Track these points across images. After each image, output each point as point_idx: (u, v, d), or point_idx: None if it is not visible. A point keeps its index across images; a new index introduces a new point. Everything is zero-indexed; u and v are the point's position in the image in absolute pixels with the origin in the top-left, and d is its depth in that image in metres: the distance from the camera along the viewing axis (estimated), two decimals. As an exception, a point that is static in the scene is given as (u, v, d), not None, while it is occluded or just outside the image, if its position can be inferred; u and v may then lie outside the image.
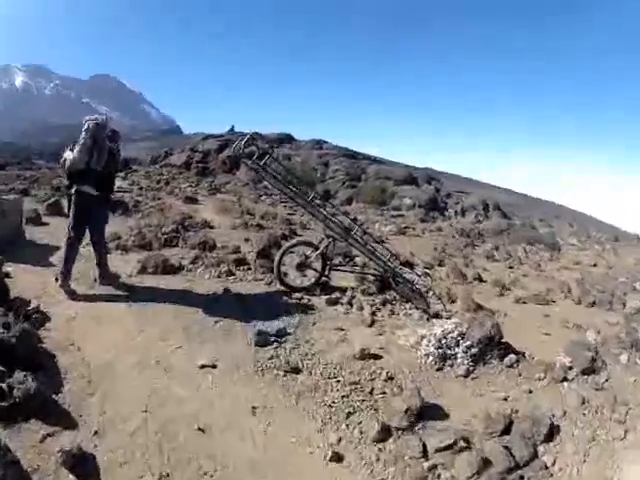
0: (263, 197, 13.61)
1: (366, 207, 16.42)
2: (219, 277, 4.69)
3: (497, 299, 6.07)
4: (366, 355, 3.33)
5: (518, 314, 5.32)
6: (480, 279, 7.03)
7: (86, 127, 3.64)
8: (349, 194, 17.98)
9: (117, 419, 2.37)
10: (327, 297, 4.46)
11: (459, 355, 3.36)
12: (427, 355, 3.39)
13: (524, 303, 5.93)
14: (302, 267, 4.73)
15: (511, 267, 9.03)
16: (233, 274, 4.82)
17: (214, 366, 3.01)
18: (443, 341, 3.43)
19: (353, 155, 23.88)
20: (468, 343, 3.38)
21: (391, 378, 3.11)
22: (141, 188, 11.56)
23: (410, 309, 4.59)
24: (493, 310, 5.20)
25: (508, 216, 19.58)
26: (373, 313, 4.27)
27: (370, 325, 4.00)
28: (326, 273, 4.87)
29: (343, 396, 2.86)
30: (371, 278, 5.10)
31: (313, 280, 4.72)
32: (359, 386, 2.98)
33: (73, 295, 3.74)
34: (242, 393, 2.79)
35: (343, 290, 4.76)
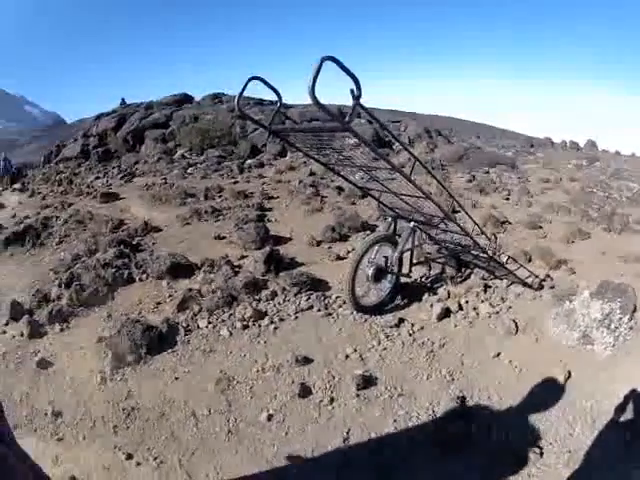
0: (190, 169, 10.68)
1: None
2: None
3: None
4: None
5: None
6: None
7: None
8: (280, 146, 13.44)
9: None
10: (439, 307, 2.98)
11: None
12: None
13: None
14: (380, 276, 2.98)
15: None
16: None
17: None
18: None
19: (261, 102, 18.13)
20: None
21: None
22: (44, 197, 8.22)
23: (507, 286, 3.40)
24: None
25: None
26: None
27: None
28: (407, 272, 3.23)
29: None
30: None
31: (390, 288, 3.07)
32: None
33: None
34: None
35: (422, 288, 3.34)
